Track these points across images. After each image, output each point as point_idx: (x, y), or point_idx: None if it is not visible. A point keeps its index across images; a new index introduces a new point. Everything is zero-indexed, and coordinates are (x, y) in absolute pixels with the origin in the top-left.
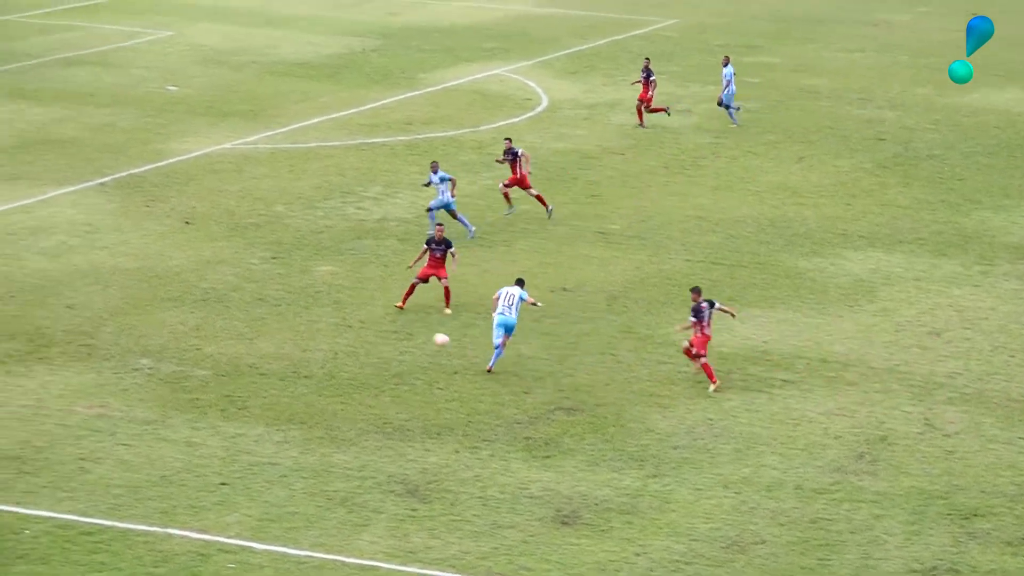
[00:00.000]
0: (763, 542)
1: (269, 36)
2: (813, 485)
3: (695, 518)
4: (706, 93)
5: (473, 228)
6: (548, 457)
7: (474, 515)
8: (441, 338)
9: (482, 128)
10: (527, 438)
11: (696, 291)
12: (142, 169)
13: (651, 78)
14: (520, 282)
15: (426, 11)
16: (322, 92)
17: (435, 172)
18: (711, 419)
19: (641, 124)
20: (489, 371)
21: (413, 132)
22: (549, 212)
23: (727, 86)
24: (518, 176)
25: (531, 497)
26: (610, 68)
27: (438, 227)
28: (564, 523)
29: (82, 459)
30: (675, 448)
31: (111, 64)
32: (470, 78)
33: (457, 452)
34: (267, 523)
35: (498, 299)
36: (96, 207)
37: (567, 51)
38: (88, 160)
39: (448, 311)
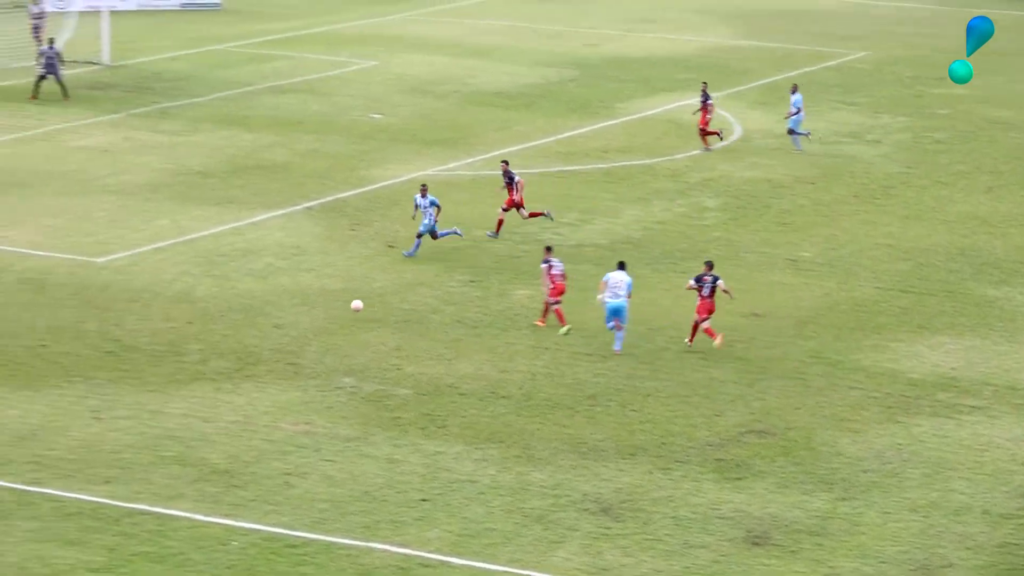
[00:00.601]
0: (951, 566)
1: (470, 66)
2: (1001, 510)
3: (884, 541)
4: (897, 124)
5: (460, 229)
6: (739, 479)
7: (666, 534)
8: (356, 304)
9: (677, 157)
10: (719, 460)
11: (708, 264)
12: (347, 194)
13: (708, 102)
14: (622, 265)
15: (623, 42)
16: (521, 121)
17: (423, 196)
18: (900, 444)
19: (707, 148)
20: (617, 352)
21: (609, 160)
22: (550, 215)
23: (796, 113)
24: (514, 200)
25: (722, 518)
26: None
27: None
28: (755, 544)
29: (288, 474)
30: (864, 472)
31: (318, 92)
32: (665, 108)
33: (650, 472)
34: (466, 539)
35: (605, 284)
36: (303, 230)
37: (760, 82)
38: (296, 185)
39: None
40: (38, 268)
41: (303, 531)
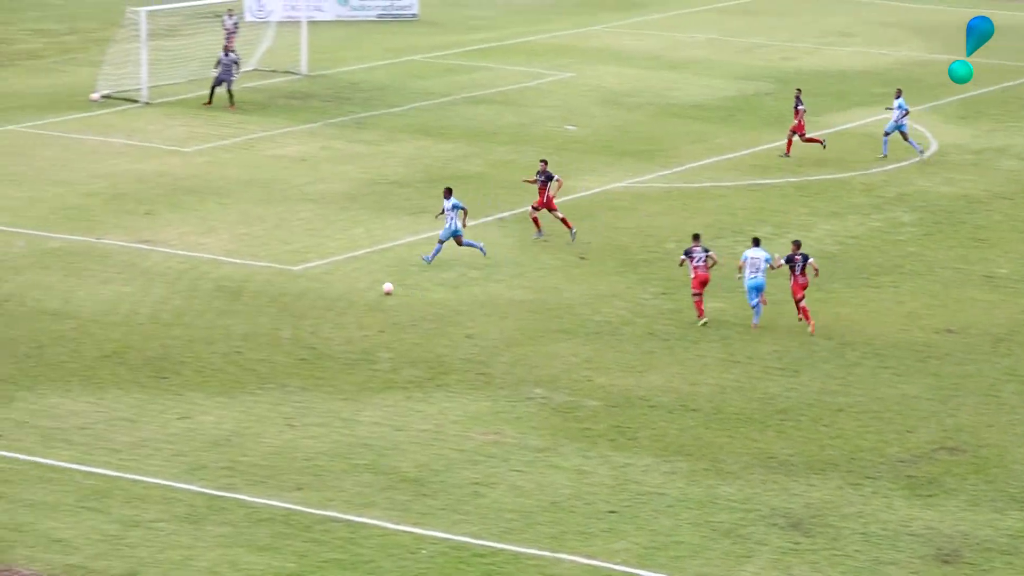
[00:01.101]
0: None
1: (666, 79)
2: None
3: None
4: None
5: (483, 245)
6: (930, 496)
7: (856, 551)
8: (387, 286)
9: (872, 171)
10: (909, 476)
11: (796, 244)
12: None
13: (799, 107)
14: (757, 241)
15: (819, 56)
16: (716, 134)
17: (447, 199)
18: None
19: (787, 154)
20: (754, 327)
21: (804, 174)
22: (572, 235)
23: (902, 117)
24: (544, 200)
25: (912, 535)
26: (1000, 113)
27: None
28: (945, 562)
29: (477, 484)
30: None
31: (514, 103)
32: (860, 122)
33: (840, 488)
34: (653, 551)
35: (744, 264)
36: (495, 241)
37: (957, 96)
38: (489, 195)
39: None
40: (235, 275)
41: (491, 541)
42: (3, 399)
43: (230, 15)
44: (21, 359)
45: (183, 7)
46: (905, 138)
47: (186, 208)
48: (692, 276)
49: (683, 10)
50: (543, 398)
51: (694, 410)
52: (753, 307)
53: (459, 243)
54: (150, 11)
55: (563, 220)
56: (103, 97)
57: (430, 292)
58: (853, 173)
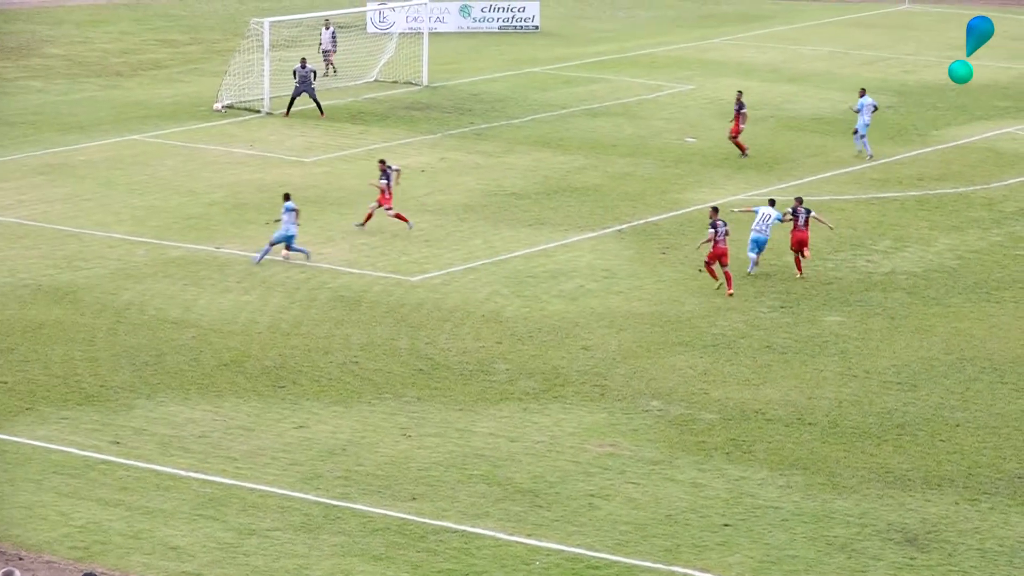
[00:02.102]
0: None
1: (786, 92)
2: None
3: None
4: None
5: (309, 251)
6: None
7: (972, 567)
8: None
9: (992, 185)
10: None
11: (798, 199)
12: (659, 217)
13: (742, 111)
14: (772, 202)
15: (940, 70)
16: (836, 147)
17: (286, 200)
18: None
19: (744, 154)
20: (749, 273)
21: (924, 187)
22: (410, 226)
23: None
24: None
25: None
26: None
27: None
28: None
29: (591, 495)
30: None
31: (633, 115)
32: (982, 136)
33: (957, 503)
34: (768, 565)
35: (756, 215)
36: (613, 253)
37: None
38: (607, 207)
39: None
40: (353, 285)
41: (605, 553)
42: (123, 407)
43: (327, 27)
44: (141, 367)
45: (305, 18)
46: (860, 137)
47: (305, 218)
48: (712, 248)
49: (805, 23)
50: (659, 410)
51: (811, 424)
52: (752, 259)
53: (287, 248)
54: (273, 22)
55: (397, 215)
56: (225, 107)
57: (547, 304)
58: (974, 187)
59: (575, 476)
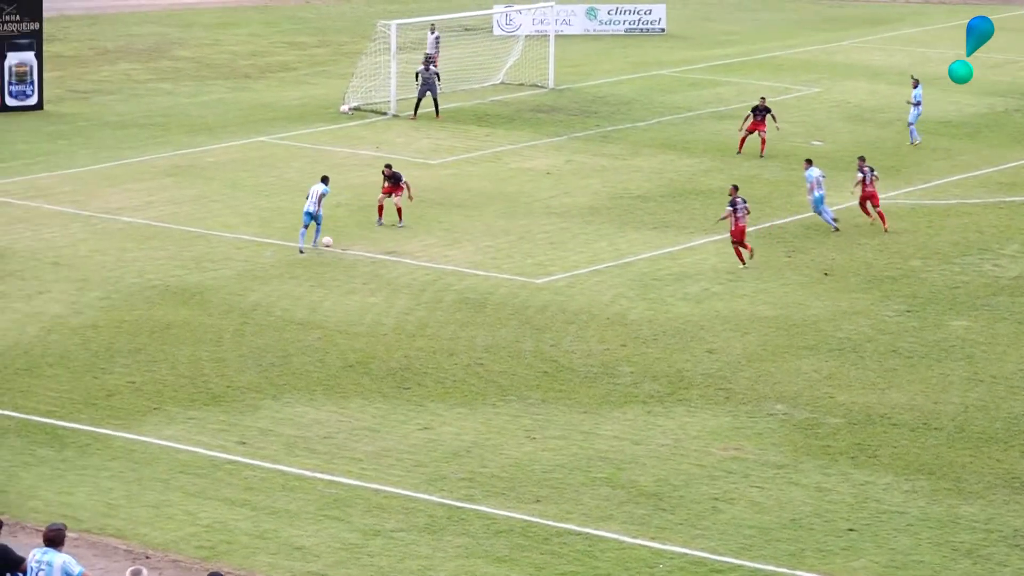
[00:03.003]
0: None
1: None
2: None
3: None
4: None
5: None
6: None
7: None
8: (327, 240)
9: None
10: None
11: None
12: (784, 220)
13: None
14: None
15: None
16: (963, 150)
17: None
18: None
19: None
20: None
21: None
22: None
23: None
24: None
25: None
26: None
27: None
28: None
29: (715, 499)
30: None
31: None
32: None
33: None
34: (893, 570)
35: (811, 185)
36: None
37: None
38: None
39: None
40: (478, 287)
41: (729, 556)
42: (249, 407)
43: (432, 31)
44: (267, 368)
45: (433, 20)
46: (908, 125)
47: (431, 220)
48: (732, 227)
49: (933, 25)
50: (784, 414)
51: (936, 429)
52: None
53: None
54: (400, 24)
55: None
56: (352, 110)
57: (673, 306)
58: None
59: (699, 479)
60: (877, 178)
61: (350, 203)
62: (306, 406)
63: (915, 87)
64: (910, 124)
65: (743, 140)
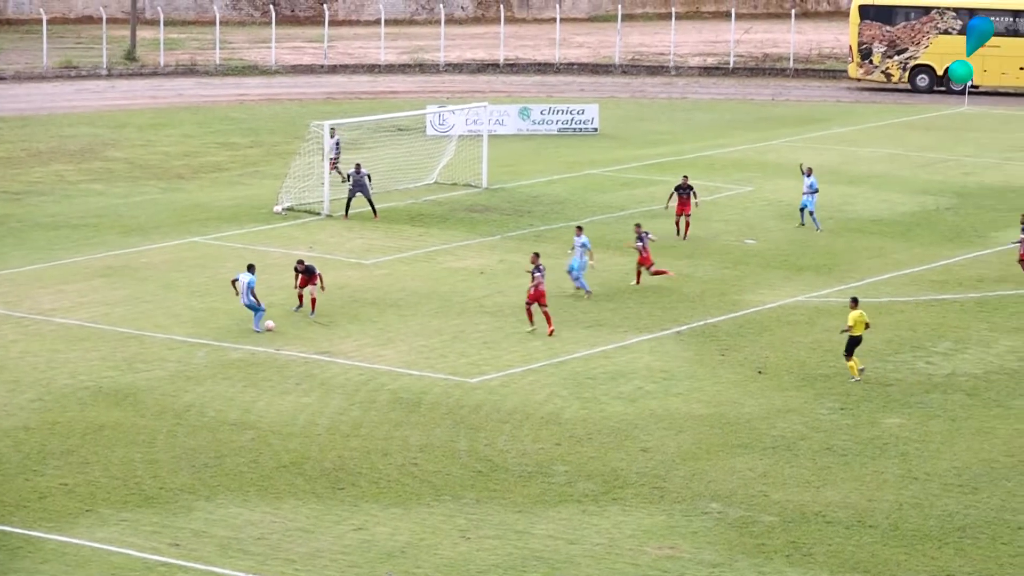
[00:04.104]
0: None
1: (845, 193)
2: None
3: None
4: None
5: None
6: None
7: None
8: (269, 324)
9: None
10: None
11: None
12: (718, 319)
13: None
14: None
15: (1000, 172)
16: (895, 249)
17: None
18: None
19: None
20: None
21: (984, 289)
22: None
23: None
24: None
25: None
26: None
27: None
28: None
29: None
30: None
31: (692, 217)
32: None
33: None
34: None
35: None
36: (672, 354)
37: None
38: (667, 308)
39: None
40: (412, 387)
41: None
42: (182, 509)
43: (332, 135)
44: (200, 469)
45: (365, 121)
46: (810, 214)
47: (365, 320)
48: (532, 290)
49: (864, 124)
50: (719, 513)
51: (871, 526)
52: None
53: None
54: (333, 124)
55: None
56: (285, 210)
57: (607, 405)
58: None
59: None
60: (653, 240)
61: (284, 303)
62: (239, 507)
63: (807, 175)
64: (811, 213)
65: (678, 223)
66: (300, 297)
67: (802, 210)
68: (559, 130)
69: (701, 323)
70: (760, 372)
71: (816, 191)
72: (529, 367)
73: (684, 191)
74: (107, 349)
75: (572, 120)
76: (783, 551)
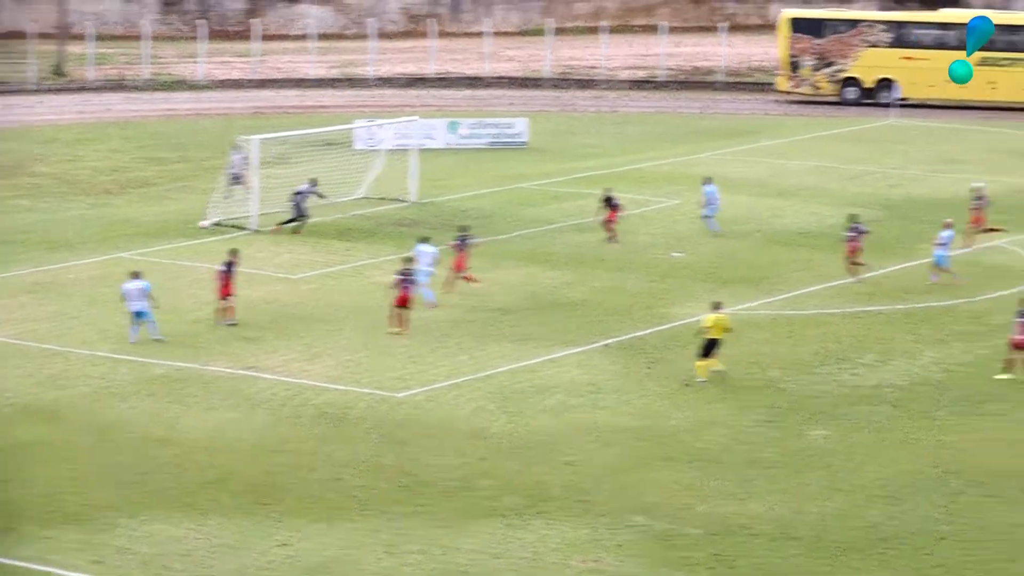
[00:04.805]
0: None
1: (773, 206)
2: None
3: None
4: None
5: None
6: None
7: None
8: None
9: (978, 298)
10: None
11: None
12: (645, 332)
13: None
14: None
15: (926, 184)
16: (822, 261)
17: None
18: None
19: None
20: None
21: (910, 301)
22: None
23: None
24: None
25: None
26: None
27: None
28: None
29: None
30: None
31: (621, 230)
32: (969, 249)
33: None
34: None
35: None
36: (599, 367)
37: None
38: (594, 322)
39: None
40: (338, 402)
41: None
42: (106, 526)
43: (238, 150)
44: (125, 486)
45: (294, 135)
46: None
47: (292, 335)
48: (400, 293)
49: (792, 137)
50: (643, 526)
51: (795, 539)
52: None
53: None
54: (262, 139)
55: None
56: (213, 225)
57: (532, 419)
58: (959, 300)
59: None
60: (479, 245)
61: (210, 318)
62: (164, 524)
63: (706, 185)
64: (709, 217)
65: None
66: (222, 303)
67: (706, 218)
68: (489, 144)
69: (629, 336)
70: (687, 384)
71: (713, 201)
72: (455, 381)
73: (610, 203)
74: (32, 366)
75: (501, 134)
76: (707, 564)
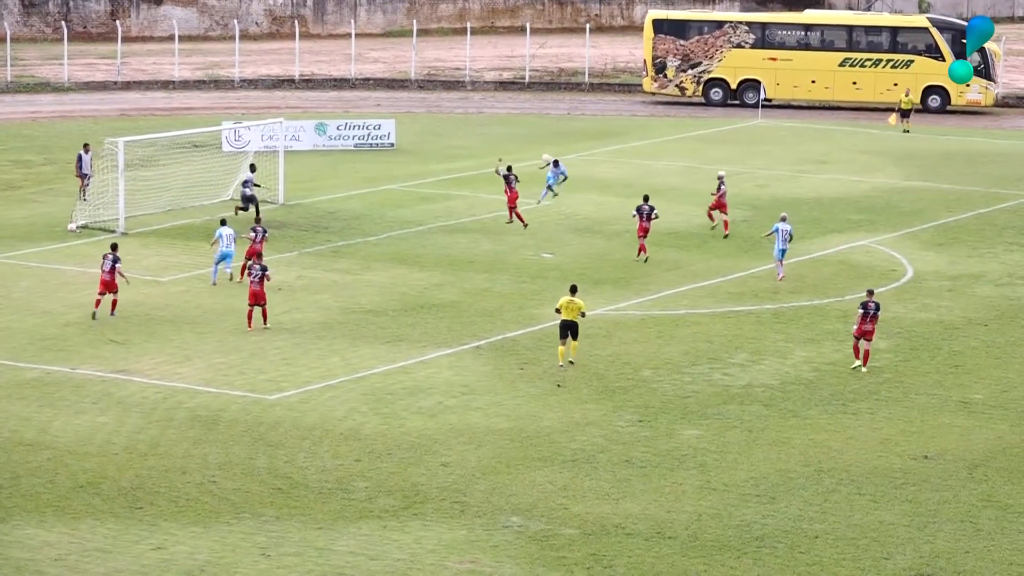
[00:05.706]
0: None
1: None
2: None
3: None
4: None
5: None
6: None
7: None
8: None
9: (847, 298)
10: None
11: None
12: (517, 333)
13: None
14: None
15: (794, 184)
16: (692, 261)
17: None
18: None
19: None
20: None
21: (779, 301)
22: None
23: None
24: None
25: None
26: (975, 241)
27: None
28: None
29: None
30: None
31: (489, 232)
32: (836, 249)
33: None
34: None
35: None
36: (472, 369)
37: (933, 223)
38: (465, 324)
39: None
40: (210, 405)
41: None
42: None
43: (86, 151)
44: None
45: (160, 137)
46: (549, 188)
47: (162, 338)
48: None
49: (661, 138)
50: (519, 526)
51: (670, 538)
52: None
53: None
54: (128, 141)
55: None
56: (80, 227)
57: (407, 420)
58: (829, 300)
59: None
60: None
61: (80, 322)
62: (36, 528)
63: (555, 166)
64: (550, 186)
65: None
66: (98, 303)
67: (550, 187)
68: (356, 145)
69: (500, 337)
70: (559, 385)
71: (556, 178)
72: (328, 383)
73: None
74: None
75: (369, 135)
76: (584, 564)
